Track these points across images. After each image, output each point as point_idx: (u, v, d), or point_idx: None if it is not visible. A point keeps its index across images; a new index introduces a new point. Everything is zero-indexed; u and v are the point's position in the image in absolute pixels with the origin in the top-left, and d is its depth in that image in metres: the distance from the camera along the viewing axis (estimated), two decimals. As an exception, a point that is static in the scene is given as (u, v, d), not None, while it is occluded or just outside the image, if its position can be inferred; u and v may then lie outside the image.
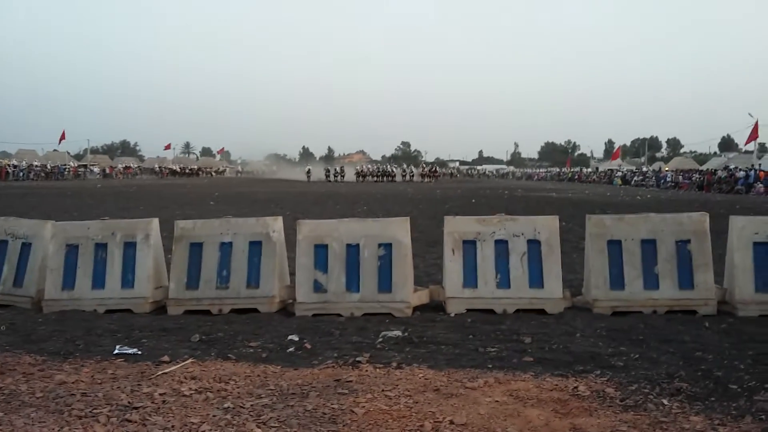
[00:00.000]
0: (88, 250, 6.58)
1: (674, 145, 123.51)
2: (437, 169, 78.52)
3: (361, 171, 72.61)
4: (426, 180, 66.29)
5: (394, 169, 75.70)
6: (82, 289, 6.49)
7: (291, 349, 4.98)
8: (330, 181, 64.40)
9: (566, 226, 12.45)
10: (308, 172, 68.78)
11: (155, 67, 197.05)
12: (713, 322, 5.59)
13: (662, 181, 51.72)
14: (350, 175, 70.01)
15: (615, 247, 6.14)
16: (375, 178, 68.49)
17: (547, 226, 6.27)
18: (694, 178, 48.09)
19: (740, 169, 44.64)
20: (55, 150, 79.09)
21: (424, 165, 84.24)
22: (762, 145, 65.83)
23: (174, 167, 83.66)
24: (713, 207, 20.91)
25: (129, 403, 3.78)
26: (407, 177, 70.60)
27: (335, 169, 70.20)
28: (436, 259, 9.27)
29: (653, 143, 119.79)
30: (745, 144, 51.30)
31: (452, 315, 6.02)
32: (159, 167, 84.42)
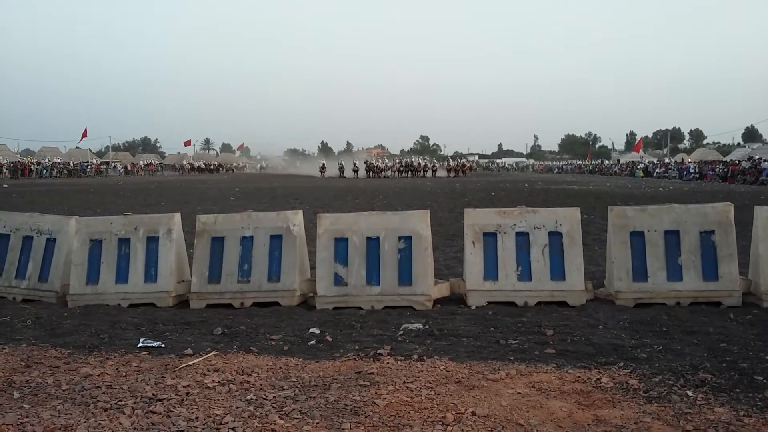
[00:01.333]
0: (112, 245, 6.65)
1: (697, 136, 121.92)
2: (466, 163, 65.71)
3: (374, 165, 61.49)
4: (453, 175, 56.76)
5: (421, 162, 64.15)
6: (105, 284, 6.57)
7: (312, 342, 5.00)
8: (344, 177, 56.65)
9: (588, 218, 12.39)
10: (322, 167, 61.82)
11: (175, 64, 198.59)
12: (738, 314, 5.52)
13: (685, 172, 51.06)
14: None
15: (638, 238, 6.07)
16: (398, 174, 59.80)
17: (568, 218, 6.22)
18: (717, 170, 47.43)
19: (765, 160, 43.93)
20: (77, 147, 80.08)
21: (450, 159, 71.07)
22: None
23: (195, 164, 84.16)
24: (737, 198, 20.61)
25: (153, 395, 3.83)
26: (429, 172, 60.81)
27: (353, 164, 61.14)
28: (456, 252, 9.26)
29: (675, 134, 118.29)
30: None
31: (473, 308, 6.00)
32: (179, 164, 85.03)
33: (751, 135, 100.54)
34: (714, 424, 3.28)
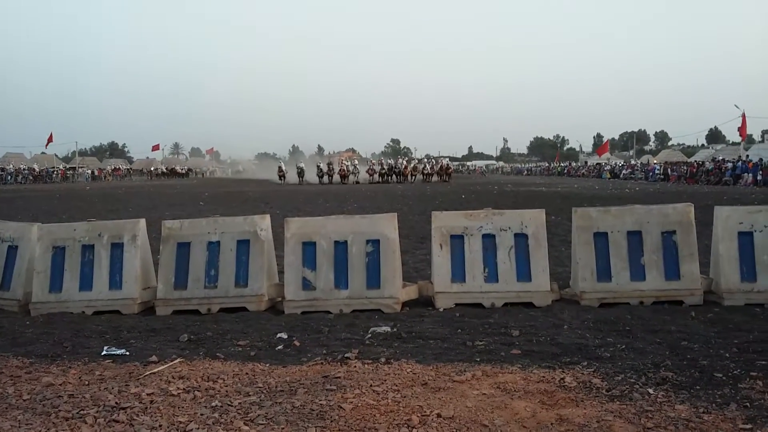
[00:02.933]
0: (75, 251, 6.55)
1: (662, 137, 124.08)
2: (450, 166, 54.30)
3: (377, 169, 51.11)
4: (432, 180, 49.44)
5: (407, 164, 51.72)
6: (69, 291, 6.46)
7: (280, 347, 4.98)
8: (323, 183, 47.86)
9: (555, 219, 12.54)
10: (280, 171, 51.23)
11: (142, 68, 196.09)
12: (699, 312, 5.63)
13: (651, 174, 51.95)
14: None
15: (601, 239, 6.17)
16: (380, 178, 50.14)
17: (533, 220, 6.29)
18: (681, 171, 48.34)
19: (727, 161, 44.91)
20: (43, 153, 78.68)
21: (434, 161, 56.26)
22: (749, 137, 66.12)
23: (162, 168, 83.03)
24: (701, 198, 21.06)
25: (116, 403, 3.77)
26: (417, 176, 50.43)
27: (324, 167, 49.62)
28: (425, 255, 9.28)
29: (641, 136, 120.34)
30: (742, 139, 51.45)
31: (441, 310, 6.04)
32: (147, 169, 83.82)
33: (714, 136, 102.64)
34: (674, 421, 3.34)
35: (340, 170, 48.87)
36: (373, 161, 52.29)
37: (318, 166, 49.98)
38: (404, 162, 52.63)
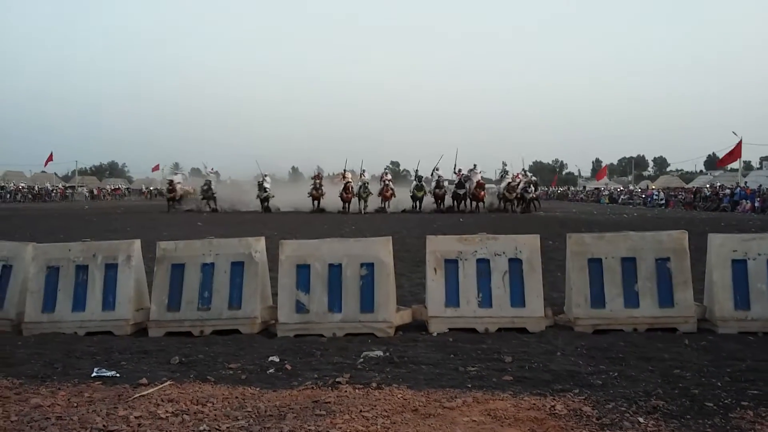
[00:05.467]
0: (69, 272, 6.55)
1: (660, 163, 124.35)
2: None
3: (351, 188, 33.55)
4: (525, 205, 34.80)
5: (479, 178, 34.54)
6: (62, 312, 6.44)
7: (271, 371, 4.96)
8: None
9: (552, 244, 12.51)
10: (170, 186, 37.75)
11: (143, 88, 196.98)
12: (693, 340, 5.62)
13: (649, 199, 52.08)
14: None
15: (596, 265, 6.17)
16: (443, 205, 34.57)
17: (528, 245, 6.30)
18: (680, 197, 48.47)
19: (726, 187, 45.06)
20: (42, 172, 78.82)
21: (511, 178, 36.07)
22: (747, 163, 66.38)
23: (160, 188, 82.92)
24: (698, 225, 21.09)
25: (104, 426, 3.75)
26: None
27: (315, 183, 34.19)
28: (421, 279, 9.26)
29: (640, 162, 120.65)
30: (725, 164, 51.72)
31: (434, 334, 6.02)
32: (146, 189, 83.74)
33: (712, 162, 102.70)
34: (663, 451, 3.32)
35: (345, 193, 33.23)
36: (387, 176, 35.04)
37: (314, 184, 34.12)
38: (478, 178, 34.03)
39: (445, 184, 35.50)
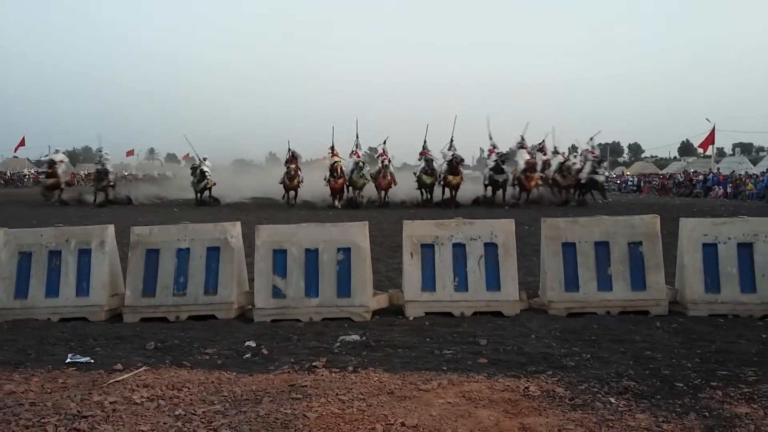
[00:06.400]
0: (42, 257, 6.47)
1: (635, 150, 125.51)
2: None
3: (341, 170, 24.60)
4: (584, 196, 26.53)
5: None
6: (35, 298, 6.38)
7: (247, 356, 4.96)
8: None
9: (529, 229, 12.63)
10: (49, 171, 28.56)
11: (117, 71, 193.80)
12: (664, 322, 5.72)
13: (624, 185, 52.63)
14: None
15: (569, 249, 6.24)
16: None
17: (503, 229, 6.35)
18: (654, 182, 49.07)
19: (699, 173, 45.68)
20: (14, 157, 77.36)
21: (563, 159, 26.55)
22: (720, 150, 67.33)
23: (138, 175, 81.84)
24: (671, 210, 21.37)
25: (78, 412, 3.73)
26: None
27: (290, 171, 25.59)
28: (398, 263, 9.28)
29: (615, 148, 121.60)
30: (703, 150, 52.35)
31: (411, 319, 6.06)
32: (121, 174, 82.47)
33: (686, 149, 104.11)
34: (634, 430, 3.40)
35: (332, 178, 24.48)
36: (386, 155, 25.53)
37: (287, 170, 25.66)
38: (527, 158, 24.98)
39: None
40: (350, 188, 25.32)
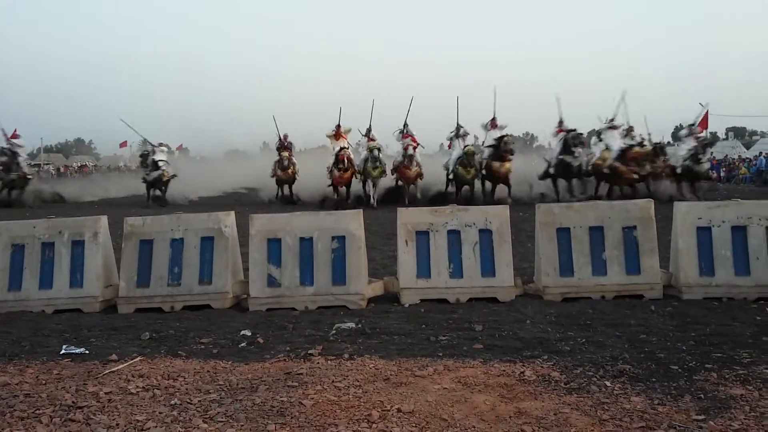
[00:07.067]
0: (35, 249, 6.44)
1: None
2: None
3: (350, 160, 19.28)
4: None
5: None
6: (29, 290, 6.36)
7: (243, 345, 4.96)
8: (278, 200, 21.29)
9: (523, 215, 12.61)
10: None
11: (108, 63, 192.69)
12: (659, 306, 5.73)
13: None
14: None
15: (564, 234, 6.24)
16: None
17: (497, 216, 6.34)
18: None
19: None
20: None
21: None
22: (714, 134, 67.36)
23: (130, 165, 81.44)
24: (664, 193, 21.35)
25: (73, 402, 3.72)
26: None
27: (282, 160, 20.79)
28: (393, 251, 9.29)
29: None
30: (700, 129, 52.28)
31: (406, 305, 6.06)
32: (114, 166, 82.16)
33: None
34: (629, 413, 3.41)
35: (337, 168, 19.22)
36: (413, 141, 20.29)
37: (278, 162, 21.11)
38: (620, 143, 19.65)
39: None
40: (364, 181, 19.82)
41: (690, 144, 19.38)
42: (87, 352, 4.83)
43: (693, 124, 20.01)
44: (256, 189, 24.11)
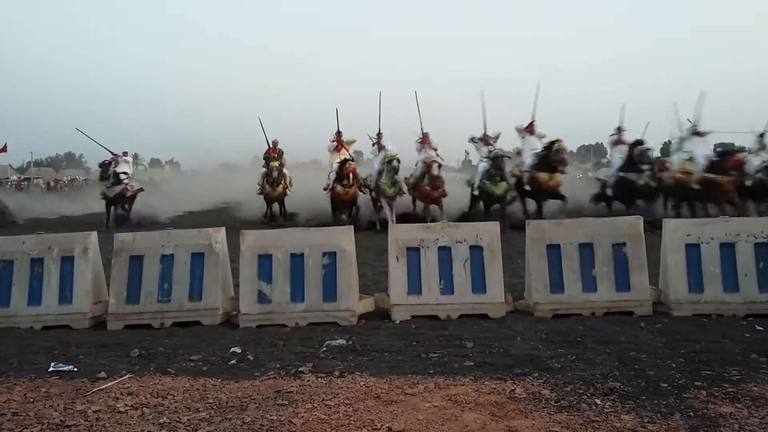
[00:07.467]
0: (24, 265, 6.41)
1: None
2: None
3: (355, 174, 15.79)
4: None
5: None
6: (17, 306, 6.32)
7: (233, 362, 4.93)
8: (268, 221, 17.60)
9: (513, 232, 12.66)
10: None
11: (100, 76, 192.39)
12: (649, 323, 5.75)
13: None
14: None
15: (554, 251, 6.26)
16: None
17: (488, 232, 6.36)
18: (638, 183, 49.38)
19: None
20: (-5, 163, 76.42)
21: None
22: (703, 151, 67.51)
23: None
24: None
25: (61, 421, 3.70)
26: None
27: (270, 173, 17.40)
28: (384, 267, 9.28)
29: (598, 149, 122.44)
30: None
31: (397, 322, 6.05)
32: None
33: (668, 150, 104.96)
34: (619, 431, 3.41)
35: (339, 184, 15.75)
36: (435, 153, 16.07)
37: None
38: (707, 152, 15.54)
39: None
40: (375, 200, 16.42)
41: (764, 156, 15.47)
42: (75, 369, 4.80)
43: (764, 133, 16.05)
44: (242, 203, 21.24)
